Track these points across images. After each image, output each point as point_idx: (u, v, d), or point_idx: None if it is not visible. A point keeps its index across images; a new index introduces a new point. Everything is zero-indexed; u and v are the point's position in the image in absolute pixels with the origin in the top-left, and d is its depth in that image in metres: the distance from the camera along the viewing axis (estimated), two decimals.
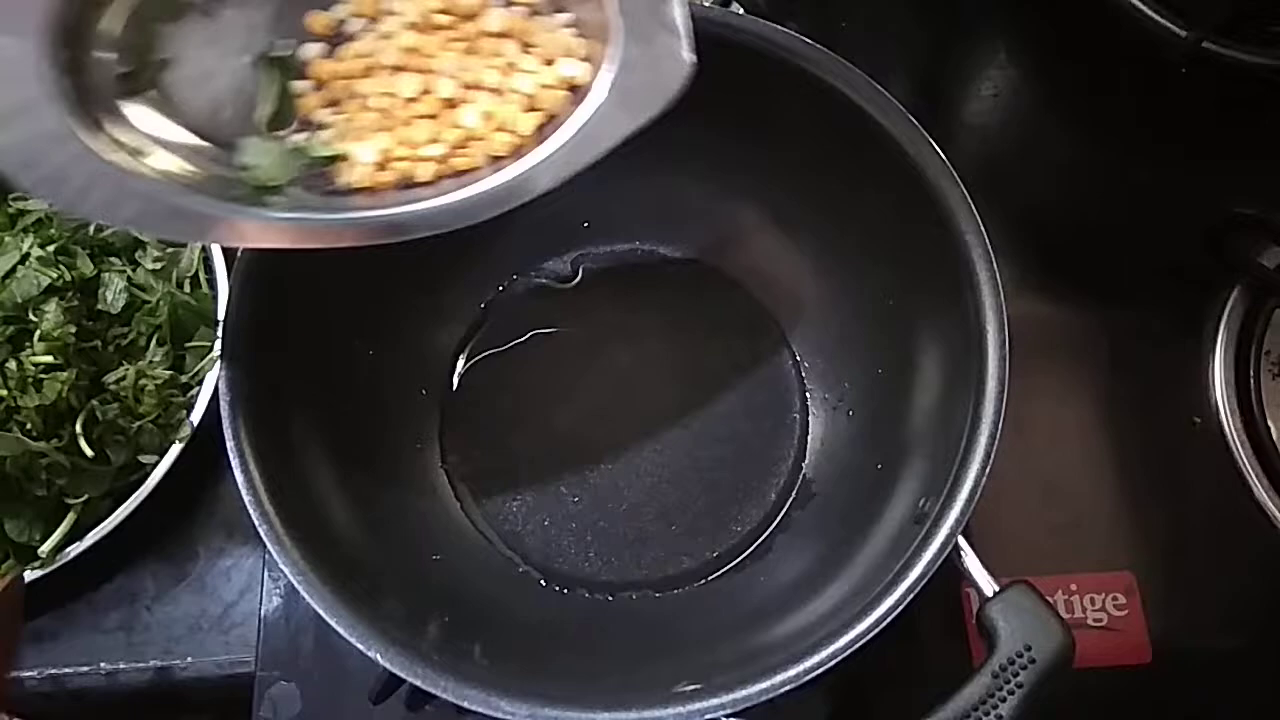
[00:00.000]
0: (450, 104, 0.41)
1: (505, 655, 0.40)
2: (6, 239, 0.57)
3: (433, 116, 0.41)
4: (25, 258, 0.56)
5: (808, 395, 0.55)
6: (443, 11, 0.41)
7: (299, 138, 0.41)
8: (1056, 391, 0.58)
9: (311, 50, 0.41)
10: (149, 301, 0.58)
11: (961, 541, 0.39)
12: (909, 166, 0.44)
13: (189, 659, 0.56)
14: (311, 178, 0.40)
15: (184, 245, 0.61)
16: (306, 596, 0.38)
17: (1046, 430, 0.57)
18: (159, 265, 0.60)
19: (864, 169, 0.47)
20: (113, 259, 0.59)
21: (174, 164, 0.39)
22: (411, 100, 0.41)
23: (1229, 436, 0.56)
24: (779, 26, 0.46)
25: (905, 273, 0.48)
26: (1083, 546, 0.54)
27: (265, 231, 0.38)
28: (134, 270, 0.59)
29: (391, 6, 0.41)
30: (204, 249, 0.61)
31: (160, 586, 0.57)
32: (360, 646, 0.37)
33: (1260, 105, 0.64)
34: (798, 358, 0.56)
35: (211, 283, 0.61)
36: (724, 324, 0.58)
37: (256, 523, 0.39)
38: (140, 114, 0.39)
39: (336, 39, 0.41)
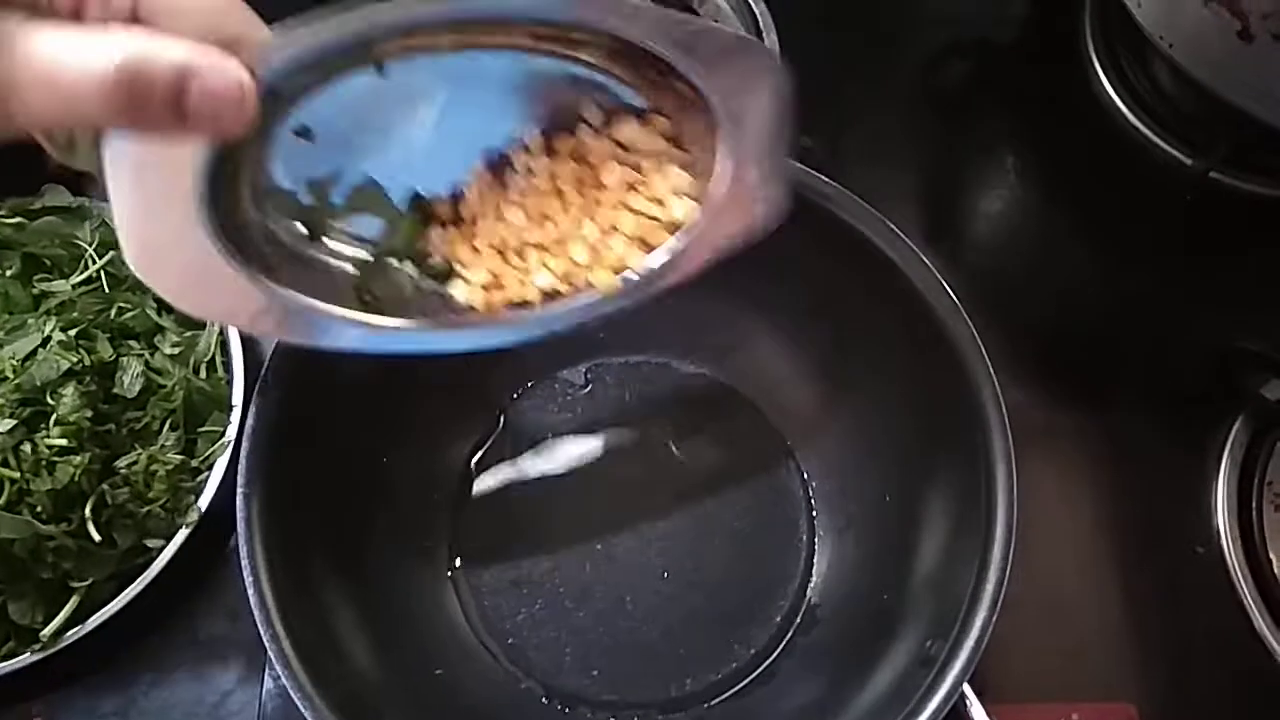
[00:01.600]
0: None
1: None
2: (30, 321, 0.58)
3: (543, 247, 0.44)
4: (47, 340, 0.56)
5: (815, 518, 0.56)
6: (576, 160, 0.44)
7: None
8: (1061, 515, 0.59)
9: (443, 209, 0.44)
10: (164, 386, 0.58)
11: (967, 690, 0.39)
12: (922, 307, 0.46)
13: None
14: (427, 296, 0.44)
15: (201, 328, 0.62)
16: None
17: (1051, 555, 0.57)
18: (177, 350, 0.60)
19: (878, 305, 0.49)
20: (131, 343, 0.60)
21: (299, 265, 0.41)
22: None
23: (1231, 567, 0.56)
24: (799, 165, 0.47)
25: (914, 406, 0.49)
26: (1085, 674, 0.54)
27: (371, 338, 0.41)
28: (152, 354, 0.60)
29: (520, 165, 0.43)
30: (221, 333, 0.62)
31: (158, 671, 0.57)
32: None
33: (1266, 235, 0.66)
34: (806, 479, 0.57)
35: (227, 367, 0.61)
36: (734, 440, 0.58)
37: (268, 645, 0.39)
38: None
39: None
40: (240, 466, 0.43)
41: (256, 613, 0.39)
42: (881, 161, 0.53)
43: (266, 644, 0.39)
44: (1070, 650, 0.55)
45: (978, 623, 0.39)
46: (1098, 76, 0.69)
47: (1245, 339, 0.60)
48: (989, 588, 0.40)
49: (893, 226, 0.46)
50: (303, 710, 0.38)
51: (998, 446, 0.42)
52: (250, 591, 0.40)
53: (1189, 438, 0.60)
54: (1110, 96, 0.68)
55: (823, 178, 0.47)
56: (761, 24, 0.68)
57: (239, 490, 0.42)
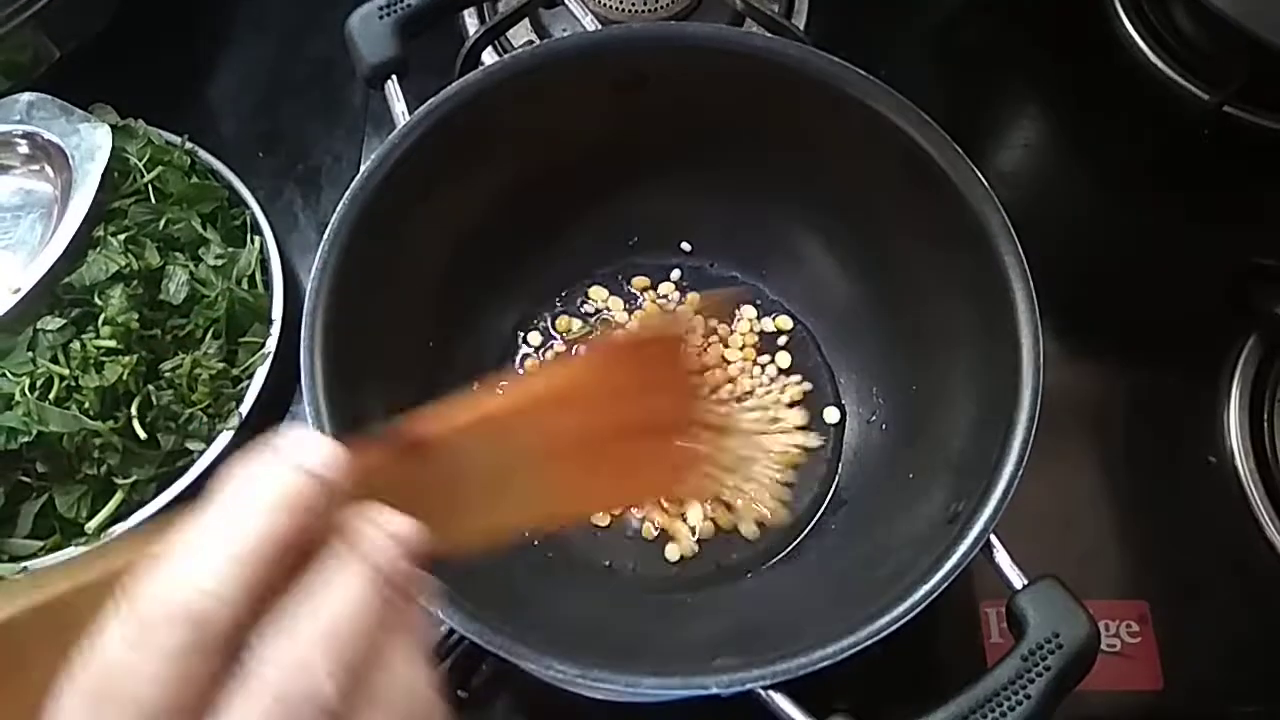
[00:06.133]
0: None
1: (553, 630, 0.42)
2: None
3: None
4: (97, 243, 0.58)
5: (843, 410, 0.57)
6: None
7: None
8: (1077, 428, 0.60)
9: None
10: (208, 295, 0.60)
11: (993, 538, 0.40)
12: (955, 197, 0.47)
13: None
14: None
15: (243, 246, 0.64)
16: None
17: (1067, 464, 0.59)
18: (220, 262, 0.62)
19: (909, 197, 0.50)
20: (178, 253, 0.61)
21: None
22: None
23: (1243, 476, 0.58)
24: (834, 57, 0.49)
25: (944, 296, 0.50)
26: (1100, 575, 0.56)
27: None
28: (196, 265, 0.61)
29: None
30: (261, 251, 0.64)
31: None
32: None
33: (1277, 166, 0.67)
34: (833, 372, 0.58)
35: (267, 283, 0.63)
36: (763, 336, 0.59)
37: None
38: None
39: None
40: (304, 329, 0.44)
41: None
42: (908, 93, 0.55)
43: None
44: (1087, 552, 0.57)
45: (1005, 475, 0.41)
46: (1118, 17, 0.70)
47: (1260, 258, 0.61)
48: (1016, 443, 0.41)
49: (926, 117, 0.47)
50: None
51: (1023, 315, 0.43)
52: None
53: (1204, 354, 0.62)
54: (1131, 35, 0.70)
55: (863, 72, 0.49)
56: None
57: (303, 343, 0.43)
